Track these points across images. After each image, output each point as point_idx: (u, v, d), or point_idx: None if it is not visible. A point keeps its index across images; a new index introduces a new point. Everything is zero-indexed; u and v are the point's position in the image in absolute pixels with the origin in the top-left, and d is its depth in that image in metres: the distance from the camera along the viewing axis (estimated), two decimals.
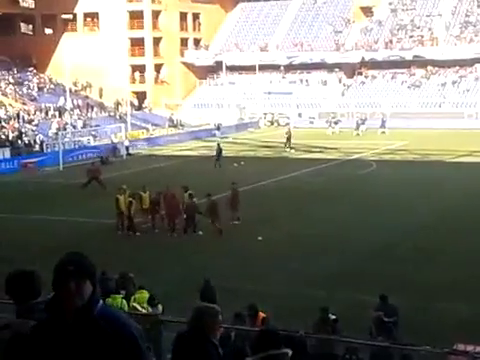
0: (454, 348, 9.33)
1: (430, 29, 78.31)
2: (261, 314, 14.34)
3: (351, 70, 78.93)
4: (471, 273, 21.14)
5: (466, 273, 21.16)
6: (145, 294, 15.65)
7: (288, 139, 53.09)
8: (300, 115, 73.31)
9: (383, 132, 62.82)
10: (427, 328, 16.22)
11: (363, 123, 64.66)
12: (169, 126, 67.68)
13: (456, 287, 19.86)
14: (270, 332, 5.94)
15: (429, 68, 75.44)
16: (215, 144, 48.78)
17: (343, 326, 14.08)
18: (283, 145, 52.99)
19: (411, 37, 77.98)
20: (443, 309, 18.15)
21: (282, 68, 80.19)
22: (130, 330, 3.83)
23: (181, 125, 69.15)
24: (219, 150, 46.29)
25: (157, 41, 78.97)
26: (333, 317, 14.20)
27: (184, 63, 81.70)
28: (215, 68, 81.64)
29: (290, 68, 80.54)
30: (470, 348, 9.21)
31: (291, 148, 52.27)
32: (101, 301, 3.87)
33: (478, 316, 17.52)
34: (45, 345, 3.81)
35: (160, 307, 15.38)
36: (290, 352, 5.71)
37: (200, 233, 27.14)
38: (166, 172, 42.08)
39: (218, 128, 65.17)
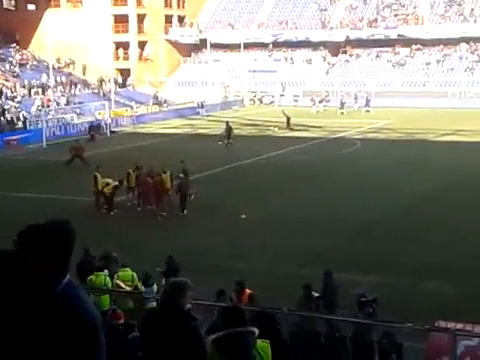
0: (435, 325, 9.41)
1: (415, 7, 78.25)
2: (247, 291, 14.39)
3: (336, 48, 78.82)
4: (456, 252, 21.29)
5: (451, 252, 21.31)
6: (129, 272, 15.64)
7: (288, 120, 52.47)
8: (283, 94, 73.08)
9: (367, 111, 62.94)
10: (410, 307, 16.35)
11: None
12: (153, 104, 67.35)
13: (441, 266, 19.99)
14: (234, 309, 5.96)
15: (413, 47, 75.48)
16: (199, 122, 48.56)
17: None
18: (284, 126, 52.37)
19: (396, 16, 77.89)
20: (427, 288, 18.30)
21: (270, 46, 79.86)
22: (91, 317, 3.53)
23: (165, 103, 68.80)
24: (229, 128, 45.37)
25: (141, 18, 78.36)
26: (316, 295, 14.28)
27: (168, 40, 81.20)
28: (199, 46, 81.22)
29: (275, 46, 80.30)
30: (451, 325, 9.31)
31: (291, 129, 51.77)
32: (68, 280, 3.57)
33: (461, 295, 17.68)
34: None
35: (155, 287, 15.39)
36: (256, 331, 5.74)
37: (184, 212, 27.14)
38: (149, 150, 41.94)
39: (202, 106, 64.93)
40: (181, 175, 27.50)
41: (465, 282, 18.57)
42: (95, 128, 51.25)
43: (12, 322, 3.50)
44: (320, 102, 65.75)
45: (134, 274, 15.63)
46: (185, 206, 26.86)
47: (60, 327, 3.43)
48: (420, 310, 15.62)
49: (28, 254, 3.46)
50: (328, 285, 15.55)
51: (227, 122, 46.86)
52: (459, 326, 9.52)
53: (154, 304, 12.65)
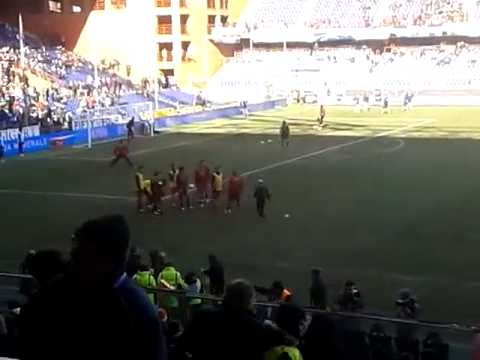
0: None
1: (460, 4, 77.19)
2: (286, 292, 14.42)
3: (379, 47, 78.19)
4: None
5: None
6: (172, 271, 15.77)
7: (322, 117, 52.66)
8: (329, 93, 72.75)
9: (405, 109, 62.36)
10: (456, 307, 16.18)
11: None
12: (196, 104, 67.68)
13: None
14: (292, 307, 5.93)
15: (458, 44, 74.49)
16: (242, 122, 48.64)
17: (370, 303, 14.11)
18: (317, 122, 52.57)
19: (440, 13, 76.95)
20: (472, 288, 18.09)
21: (316, 44, 79.53)
22: (153, 312, 3.50)
23: (208, 102, 69.06)
24: (285, 127, 44.74)
25: (184, 18, 78.76)
26: (355, 291, 14.24)
27: (211, 40, 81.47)
28: (242, 45, 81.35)
29: (318, 45, 80.00)
30: None
31: (324, 126, 51.87)
32: (125, 276, 3.52)
33: None
34: (56, 309, 3.50)
35: (198, 284, 15.48)
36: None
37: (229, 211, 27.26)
38: (194, 150, 42.16)
39: (244, 106, 65.01)
40: (260, 180, 26.96)
41: None
42: (138, 129, 51.75)
43: (74, 320, 3.46)
44: (365, 100, 65.27)
45: (177, 273, 15.75)
46: (263, 211, 26.50)
47: (123, 323, 3.37)
48: (466, 310, 15.45)
49: (89, 250, 3.44)
50: (316, 283, 15.59)
51: (284, 121, 46.05)
52: None
53: (199, 301, 12.74)
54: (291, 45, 77.53)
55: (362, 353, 10.39)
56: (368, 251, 21.67)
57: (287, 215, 26.21)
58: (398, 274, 18.84)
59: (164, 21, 77.57)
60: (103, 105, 60.47)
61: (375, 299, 15.35)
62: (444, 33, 74.86)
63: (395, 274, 18.87)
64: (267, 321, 6.38)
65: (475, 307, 16.13)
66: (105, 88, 65.49)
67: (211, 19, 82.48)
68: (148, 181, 27.73)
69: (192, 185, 28.76)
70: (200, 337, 5.31)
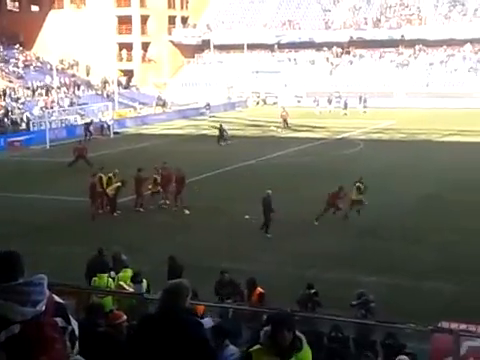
0: (439, 326, 9.37)
1: (418, 8, 78.12)
2: (259, 289, 14.42)
3: (339, 49, 78.72)
4: (459, 252, 21.26)
5: (454, 253, 21.27)
6: (128, 273, 15.67)
7: (284, 120, 52.94)
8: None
9: (364, 111, 62.80)
10: (414, 307, 16.31)
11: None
12: (157, 105, 67.36)
13: (444, 267, 19.96)
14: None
15: (417, 47, 75.36)
16: (203, 123, 48.67)
17: (328, 304, 14.13)
18: (283, 125, 52.69)
19: (399, 16, 77.78)
20: (430, 289, 18.25)
21: (276, 46, 79.81)
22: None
23: (169, 103, 68.66)
24: (221, 130, 46.20)
25: (144, 19, 78.37)
26: (313, 291, 14.29)
27: (172, 41, 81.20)
28: (203, 47, 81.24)
29: (278, 47, 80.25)
30: (454, 325, 9.26)
31: (285, 128, 52.04)
32: None
33: (464, 295, 17.65)
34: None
35: (144, 284, 15.35)
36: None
37: (187, 212, 27.15)
38: (154, 151, 41.94)
39: (208, 107, 64.87)
40: (269, 191, 25.16)
41: (468, 282, 18.53)
42: (97, 130, 51.35)
43: None
44: (329, 102, 65.61)
45: (138, 273, 15.66)
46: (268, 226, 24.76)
47: None
48: (423, 311, 15.58)
49: None
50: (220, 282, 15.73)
51: (221, 124, 47.55)
52: (462, 327, 9.47)
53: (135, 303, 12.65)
54: (252, 47, 77.65)
55: (320, 353, 10.37)
56: (329, 252, 21.72)
57: (247, 216, 26.17)
58: (358, 275, 18.94)
59: (124, 21, 77.08)
60: (62, 106, 59.83)
61: (335, 299, 15.39)
62: (403, 36, 75.68)
63: (355, 274, 18.96)
64: (206, 319, 6.38)
65: (433, 307, 16.28)
66: (64, 88, 64.80)
67: (171, 20, 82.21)
68: (117, 185, 27.50)
69: (150, 186, 28.57)
70: (143, 341, 5.34)
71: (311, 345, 5.86)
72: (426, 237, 23.26)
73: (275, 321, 5.74)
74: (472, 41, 73.22)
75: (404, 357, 9.70)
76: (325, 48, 78.80)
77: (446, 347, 8.78)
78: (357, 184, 26.48)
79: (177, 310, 5.30)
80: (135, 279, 15.36)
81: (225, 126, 47.76)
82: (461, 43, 73.48)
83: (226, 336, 9.55)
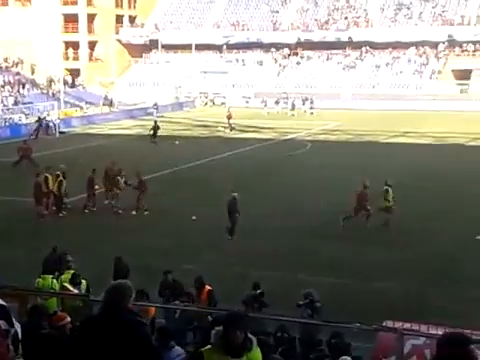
0: (383, 325, 9.47)
1: (365, 10, 79.10)
2: (207, 287, 14.37)
3: (287, 50, 79.18)
4: (403, 252, 21.54)
5: (398, 252, 21.54)
6: (69, 275, 15.47)
7: (228, 119, 52.98)
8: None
9: (312, 113, 63.23)
10: (359, 307, 16.45)
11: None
12: (103, 104, 66.73)
13: (389, 266, 20.19)
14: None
15: (363, 49, 76.29)
16: (151, 124, 48.37)
17: (274, 304, 14.16)
18: (226, 126, 52.67)
19: (346, 18, 78.63)
20: (375, 288, 18.44)
21: (225, 47, 79.86)
22: None
23: (116, 103, 68.08)
24: (155, 128, 46.28)
25: (91, 18, 77.63)
26: (259, 291, 14.31)
27: (119, 41, 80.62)
28: (150, 46, 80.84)
29: (226, 47, 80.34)
30: (398, 325, 9.38)
31: (232, 129, 52.09)
32: None
33: (409, 295, 17.90)
34: None
35: (83, 286, 15.15)
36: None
37: (134, 213, 26.94)
38: (101, 151, 41.52)
39: (156, 107, 64.52)
40: (234, 194, 24.48)
41: (412, 282, 18.79)
42: (42, 129, 50.67)
43: None
44: (276, 103, 65.82)
45: (75, 275, 15.47)
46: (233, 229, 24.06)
47: None
48: (369, 310, 15.73)
49: None
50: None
51: (155, 121, 47.95)
52: (406, 326, 9.59)
53: (79, 304, 12.51)
54: (200, 47, 77.58)
55: (267, 354, 10.37)
56: (275, 252, 21.79)
57: (194, 217, 26.10)
58: (304, 274, 19.02)
59: (70, 20, 76.23)
60: (6, 104, 58.82)
61: (282, 300, 15.42)
62: (350, 38, 76.57)
63: (302, 274, 19.04)
64: (159, 320, 6.38)
65: (378, 307, 16.46)
66: (8, 87, 63.68)
67: (119, 19, 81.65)
68: (59, 179, 27.17)
69: (97, 186, 28.25)
70: (86, 341, 5.32)
71: (259, 346, 5.89)
72: (371, 236, 23.50)
73: (228, 321, 5.73)
74: (417, 44, 74.48)
75: (346, 357, 9.78)
76: (273, 49, 79.21)
77: (391, 345, 8.88)
78: (385, 187, 25.12)
79: (120, 310, 5.27)
80: (73, 281, 15.14)
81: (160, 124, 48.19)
82: (406, 46, 74.68)
83: (171, 337, 9.50)
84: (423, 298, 17.59)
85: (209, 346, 5.80)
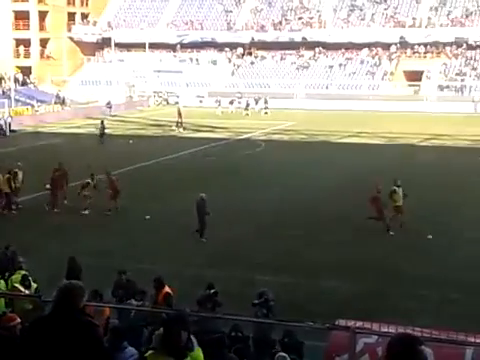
0: (336, 323, 9.52)
1: (319, 11, 79.64)
2: (166, 289, 14.25)
3: (241, 50, 79.31)
4: (354, 251, 21.72)
5: (350, 251, 21.72)
6: (18, 275, 15.25)
7: (180, 121, 52.76)
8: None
9: (266, 113, 63.41)
10: (312, 306, 16.55)
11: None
12: (55, 103, 65.92)
13: (341, 265, 20.34)
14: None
15: (317, 50, 76.82)
16: (105, 123, 48.00)
17: (228, 303, 14.16)
18: (175, 124, 52.51)
19: (300, 19, 79.07)
20: (328, 287, 18.56)
21: (179, 46, 79.63)
22: None
23: (68, 101, 67.35)
24: (103, 127, 46.22)
25: (43, 15, 76.64)
26: (213, 291, 14.29)
27: (71, 38, 79.77)
28: (103, 44, 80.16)
29: (180, 46, 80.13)
30: (351, 323, 9.44)
31: (183, 128, 51.94)
32: None
33: (361, 293, 18.06)
34: None
35: (33, 288, 14.95)
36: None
37: (86, 212, 26.65)
38: (52, 150, 41.00)
39: (109, 106, 63.98)
40: (203, 194, 24.05)
41: (364, 281, 18.96)
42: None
43: None
44: (231, 103, 65.74)
45: (26, 277, 15.26)
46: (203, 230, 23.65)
47: None
48: (322, 309, 15.84)
49: None
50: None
51: (102, 121, 47.53)
52: (359, 324, 9.66)
53: (30, 306, 12.36)
54: (154, 46, 77.22)
55: (220, 353, 10.35)
56: (228, 251, 21.81)
57: (148, 216, 25.97)
58: (258, 274, 19.05)
59: (21, 17, 75.15)
60: None
61: (235, 299, 15.43)
62: (303, 38, 77.02)
63: (255, 274, 19.06)
64: (112, 320, 6.39)
65: (331, 305, 16.57)
66: None
67: (71, 16, 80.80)
68: (6, 176, 26.81)
69: (48, 186, 27.86)
70: (36, 341, 5.27)
71: (213, 345, 5.89)
72: (323, 235, 23.65)
73: (172, 322, 5.70)
74: (369, 45, 75.27)
75: (283, 354, 9.84)
76: (227, 49, 79.27)
77: (343, 344, 8.93)
78: (393, 187, 24.59)
79: (71, 310, 5.22)
80: (24, 282, 14.93)
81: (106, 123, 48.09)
82: (359, 47, 75.42)
83: (125, 338, 9.42)
84: (376, 297, 17.77)
85: (151, 351, 5.80)
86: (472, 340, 9.49)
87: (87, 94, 70.71)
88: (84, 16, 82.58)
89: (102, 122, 47.07)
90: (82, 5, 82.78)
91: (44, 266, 18.01)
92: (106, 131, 46.77)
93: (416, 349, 4.60)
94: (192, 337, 5.78)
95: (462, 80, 69.75)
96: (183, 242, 22.97)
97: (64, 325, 5.20)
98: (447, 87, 69.79)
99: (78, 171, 29.13)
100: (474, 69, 70.68)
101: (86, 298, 5.53)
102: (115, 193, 26.78)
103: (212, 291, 14.24)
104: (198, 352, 5.84)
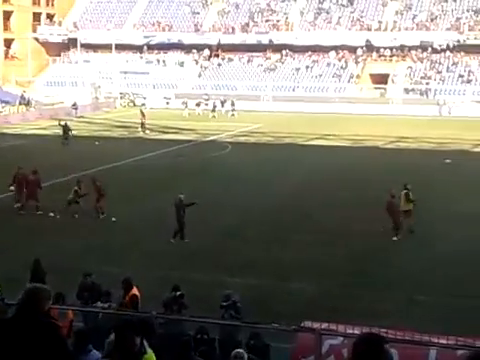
0: (302, 325, 9.54)
1: (285, 14, 79.91)
2: (134, 291, 14.12)
3: (208, 52, 79.26)
4: (320, 252, 21.81)
5: (315, 252, 21.80)
6: None
7: (143, 123, 52.48)
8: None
9: (233, 115, 63.36)
10: (278, 308, 16.57)
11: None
12: (20, 104, 65.20)
13: (306, 266, 20.41)
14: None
15: (284, 52, 77.07)
16: (70, 124, 47.67)
17: (195, 305, 14.12)
18: (139, 126, 52.28)
19: (267, 21, 79.26)
20: (293, 289, 18.61)
21: (145, 47, 79.34)
22: None
23: (33, 102, 66.66)
24: (66, 129, 45.84)
25: (7, 15, 75.83)
26: (179, 293, 14.25)
27: (36, 39, 79.01)
28: (69, 45, 79.56)
29: (147, 48, 79.83)
30: (316, 325, 9.47)
31: (146, 129, 51.74)
32: None
33: (326, 295, 18.13)
34: None
35: None
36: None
37: (52, 215, 26.42)
38: (16, 151, 40.57)
39: (75, 107, 63.43)
40: (181, 195, 24.21)
41: (329, 283, 19.03)
42: None
43: None
44: (198, 105, 65.49)
45: None
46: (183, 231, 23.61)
47: None
48: (288, 311, 15.86)
49: None
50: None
51: (66, 123, 47.02)
52: (324, 326, 9.69)
53: None
54: (120, 47, 76.84)
55: (187, 356, 10.32)
56: (194, 253, 21.77)
57: (114, 218, 25.82)
58: (223, 276, 19.04)
59: None
60: None
61: (201, 301, 15.40)
62: (270, 41, 77.22)
63: (221, 276, 19.05)
64: (76, 323, 6.37)
65: (297, 307, 16.61)
66: None
67: (36, 17, 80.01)
68: None
69: (12, 188, 27.53)
70: None
71: (179, 348, 5.87)
72: (288, 237, 23.68)
73: (126, 327, 5.66)
74: (336, 48, 75.70)
75: (240, 351, 9.85)
76: (194, 50, 79.16)
77: (309, 345, 8.95)
78: (404, 191, 24.23)
79: (36, 313, 5.17)
80: None
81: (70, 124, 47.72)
82: (326, 50, 75.81)
83: (89, 341, 9.33)
84: (344, 298, 17.85)
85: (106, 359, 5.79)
86: (436, 340, 9.58)
87: (52, 95, 70.08)
88: (50, 16, 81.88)
89: (65, 123, 46.57)
90: (48, 5, 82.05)
91: (7, 268, 17.79)
92: (74, 132, 46.37)
93: (381, 348, 4.60)
94: (144, 341, 5.75)
95: (427, 83, 70.49)
96: (151, 244, 22.86)
97: (27, 328, 5.16)
98: (412, 90, 70.52)
99: (47, 172, 28.73)
100: (439, 72, 71.49)
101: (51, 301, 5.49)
102: (100, 197, 26.57)
103: (178, 293, 14.19)
104: (151, 355, 5.82)
